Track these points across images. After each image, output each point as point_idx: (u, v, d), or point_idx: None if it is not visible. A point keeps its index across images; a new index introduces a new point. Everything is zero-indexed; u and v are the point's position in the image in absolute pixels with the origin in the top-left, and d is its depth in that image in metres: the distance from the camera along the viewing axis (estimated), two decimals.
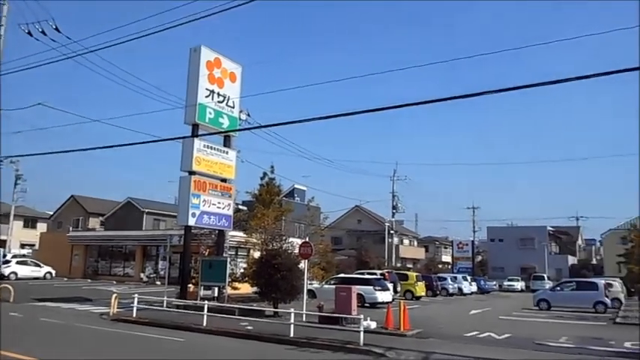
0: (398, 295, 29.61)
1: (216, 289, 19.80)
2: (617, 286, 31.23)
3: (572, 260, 67.55)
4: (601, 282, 27.72)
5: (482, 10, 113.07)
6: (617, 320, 21.52)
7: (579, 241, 78.33)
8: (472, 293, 42.53)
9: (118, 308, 17.61)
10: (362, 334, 12.53)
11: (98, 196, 53.00)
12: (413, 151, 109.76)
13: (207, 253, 23.64)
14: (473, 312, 24.98)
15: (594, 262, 73.71)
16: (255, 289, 20.15)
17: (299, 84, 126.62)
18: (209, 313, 15.15)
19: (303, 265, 18.34)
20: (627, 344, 14.30)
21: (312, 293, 25.65)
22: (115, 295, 17.85)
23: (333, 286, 20.93)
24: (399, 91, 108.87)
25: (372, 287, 25.37)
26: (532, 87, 10.55)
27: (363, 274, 31.17)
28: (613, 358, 12.29)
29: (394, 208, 54.03)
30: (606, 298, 25.79)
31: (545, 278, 51.56)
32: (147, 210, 45.43)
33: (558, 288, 29.22)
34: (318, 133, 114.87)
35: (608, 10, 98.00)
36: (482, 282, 48.44)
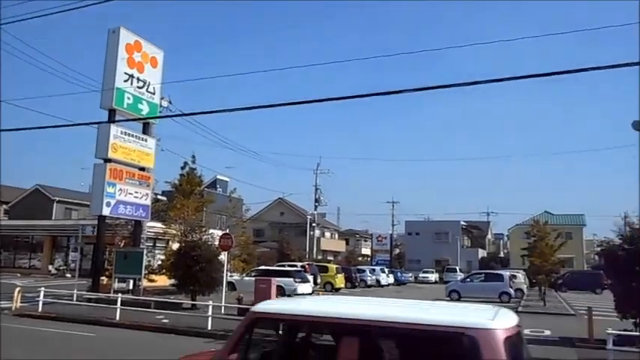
0: (318, 286, 30.00)
1: (132, 281, 19.13)
2: (521, 277, 33.55)
3: (482, 253, 71.56)
4: (506, 274, 29.62)
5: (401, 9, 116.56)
6: (519, 309, 23.08)
7: (489, 236, 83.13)
8: (389, 285, 43.92)
9: (21, 303, 16.54)
10: None
11: (3, 183, 49.32)
12: (337, 145, 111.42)
13: (122, 245, 22.77)
14: None
15: (502, 255, 78.49)
16: (172, 281, 19.67)
17: (224, 73, 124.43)
18: (123, 307, 14.63)
19: (224, 257, 18.14)
20: (526, 331, 15.37)
21: (232, 285, 25.43)
22: (18, 289, 16.76)
23: (254, 278, 20.88)
24: (328, 83, 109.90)
25: (292, 279, 25.56)
26: (452, 87, 11.01)
27: (283, 266, 31.28)
28: None
29: (317, 201, 54.65)
30: (510, 289, 27.59)
31: (458, 270, 54.21)
32: (57, 198, 42.91)
33: (468, 279, 30.91)
34: (243, 125, 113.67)
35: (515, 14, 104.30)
36: (399, 274, 50.17)
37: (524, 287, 32.29)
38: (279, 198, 62.53)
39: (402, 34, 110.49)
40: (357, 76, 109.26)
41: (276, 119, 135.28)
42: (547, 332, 15.19)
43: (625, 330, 11.92)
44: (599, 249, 15.97)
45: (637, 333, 12.04)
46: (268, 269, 27.36)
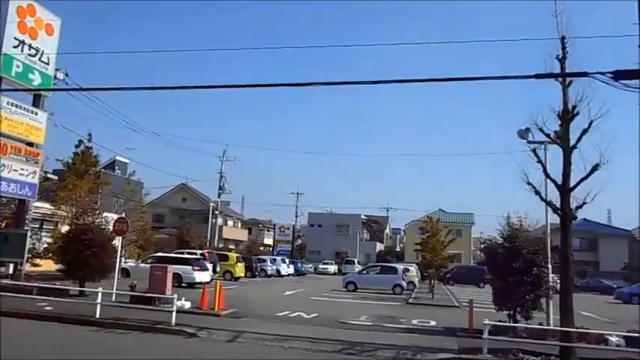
0: (217, 275, 29.63)
1: (12, 265, 17.68)
2: (413, 270, 35.36)
3: (380, 247, 74.46)
4: (400, 267, 31.09)
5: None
6: (410, 301, 24.37)
7: (387, 230, 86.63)
8: (289, 275, 44.44)
9: None
10: (174, 314, 12.33)
11: None
12: (245, 134, 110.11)
13: (3, 225, 21.02)
14: (287, 293, 26.11)
15: (398, 249, 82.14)
16: (60, 266, 18.48)
17: (131, 49, 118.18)
18: (1, 293, 13.49)
19: (118, 242, 17.34)
20: (414, 321, 16.29)
21: (126, 272, 24.41)
22: None
23: (149, 265, 20.16)
24: (244, 68, 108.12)
25: (190, 267, 25.02)
26: (358, 84, 11.31)
27: (182, 253, 30.54)
28: (401, 333, 13.90)
29: (221, 188, 53.79)
30: (403, 282, 28.98)
31: (356, 262, 55.99)
32: None
33: (365, 271, 32.05)
34: (148, 107, 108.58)
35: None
36: (299, 264, 50.88)
37: (417, 280, 34.06)
38: (182, 184, 60.77)
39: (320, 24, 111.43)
40: (267, 67, 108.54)
41: (181, 103, 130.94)
42: (433, 323, 16.15)
43: (500, 321, 13.00)
44: (482, 246, 17.27)
45: (510, 324, 13.18)
46: (165, 256, 26.53)
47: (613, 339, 12.24)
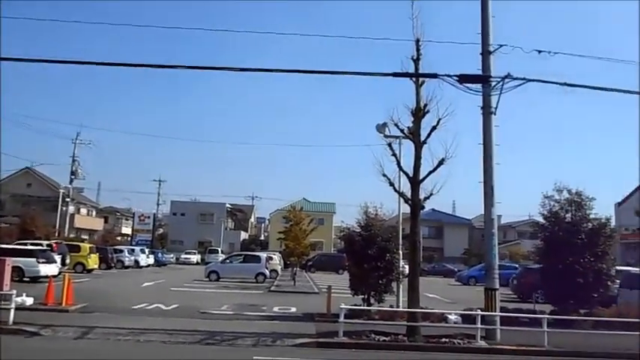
0: (67, 267, 27.30)
1: None
2: (277, 259, 35.89)
3: (244, 236, 74.33)
4: (263, 255, 31.37)
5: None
6: (272, 289, 24.71)
7: (252, 219, 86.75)
8: (149, 266, 42.55)
9: None
10: (12, 311, 11.16)
11: None
12: (103, 116, 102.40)
13: None
14: (145, 284, 24.98)
15: (263, 237, 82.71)
16: None
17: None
18: None
19: None
20: (276, 308, 16.56)
21: None
22: None
23: None
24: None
25: (34, 259, 22.77)
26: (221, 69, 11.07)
27: (25, 244, 27.71)
28: (262, 321, 14.06)
29: (73, 174, 49.58)
30: (266, 270, 29.29)
31: (220, 252, 55.32)
32: None
33: (228, 260, 31.82)
34: None
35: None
36: (160, 255, 48.97)
37: (279, 268, 34.62)
38: (27, 167, 54.93)
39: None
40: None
41: (34, 78, 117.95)
42: (293, 309, 16.55)
43: (355, 305, 13.73)
44: (341, 234, 18.09)
45: (364, 307, 13.98)
46: (5, 248, 23.81)
47: (452, 317, 13.61)
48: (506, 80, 11.56)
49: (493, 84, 12.09)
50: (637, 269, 22.86)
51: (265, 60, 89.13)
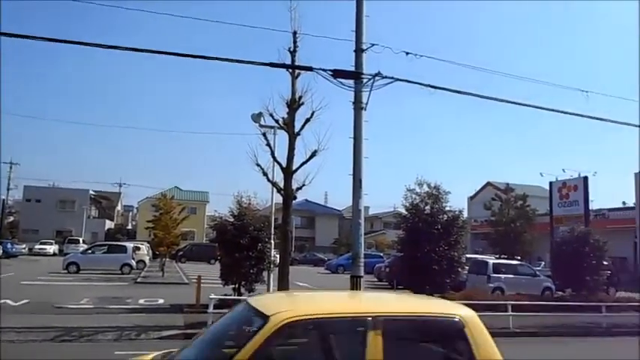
0: None
1: None
2: (144, 249, 34.30)
3: (109, 225, 69.88)
4: (130, 245, 29.79)
5: None
6: (139, 280, 23.62)
7: (119, 207, 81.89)
8: None
9: None
10: None
11: None
12: None
13: None
14: None
15: (130, 227, 78.51)
16: None
17: None
18: None
19: None
20: (142, 301, 15.86)
21: None
22: None
23: None
24: None
25: None
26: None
27: None
28: (127, 314, 13.38)
29: None
30: (132, 261, 27.89)
31: (81, 242, 51.48)
32: None
33: (90, 251, 29.74)
34: None
35: None
36: (9, 245, 44.32)
37: (147, 259, 33.14)
38: None
39: None
40: None
41: None
42: (161, 301, 15.98)
43: (225, 295, 13.61)
44: (213, 224, 17.76)
45: (235, 297, 13.91)
46: None
47: None
48: (377, 78, 12.14)
49: (365, 81, 12.63)
50: (483, 257, 25.50)
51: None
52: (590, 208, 33.52)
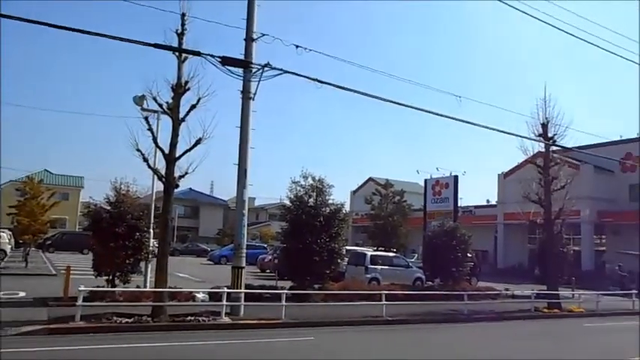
0: None
1: None
2: (5, 237, 31.14)
3: None
4: None
5: None
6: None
7: None
8: None
9: None
10: None
11: None
12: None
13: None
14: None
15: None
16: None
17: None
18: None
19: None
20: (0, 294, 14.40)
21: None
22: None
23: None
24: None
25: None
26: None
27: None
28: None
29: None
30: None
31: None
32: None
33: None
34: None
35: None
36: None
37: (9, 248, 30.15)
38: None
39: None
40: None
41: None
42: (22, 294, 14.64)
43: (98, 286, 12.82)
44: (87, 211, 16.52)
45: (108, 289, 13.16)
46: None
47: (199, 295, 13.80)
48: (266, 69, 12.11)
49: (254, 70, 12.54)
50: (362, 249, 26.60)
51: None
52: (459, 204, 36.37)
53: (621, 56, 16.31)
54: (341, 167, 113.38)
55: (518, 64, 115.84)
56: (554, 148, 19.11)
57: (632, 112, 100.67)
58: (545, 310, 17.27)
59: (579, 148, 22.45)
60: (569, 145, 19.53)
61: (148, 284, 14.35)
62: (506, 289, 21.33)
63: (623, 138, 40.13)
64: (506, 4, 13.18)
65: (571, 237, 37.31)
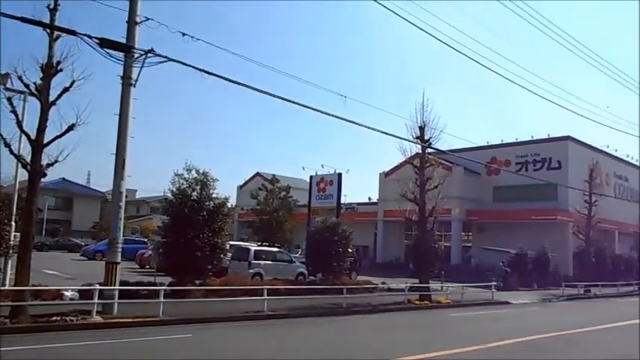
0: None
1: None
2: None
3: None
4: None
5: None
6: None
7: None
8: None
9: None
10: None
11: None
12: None
13: None
14: None
15: None
16: None
17: None
18: None
19: None
20: None
21: None
22: None
23: None
24: None
25: None
26: None
27: None
28: None
29: None
30: None
31: None
32: None
33: None
34: None
35: None
36: None
37: None
38: None
39: None
40: None
41: None
42: None
43: None
44: None
45: None
46: None
47: (68, 293, 12.81)
48: (150, 55, 11.52)
49: (136, 56, 11.88)
50: (246, 244, 26.43)
51: None
52: (343, 201, 37.59)
53: (487, 67, 17.78)
54: (230, 162, 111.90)
55: (405, 67, 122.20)
56: (429, 150, 20.37)
57: (499, 119, 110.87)
58: (417, 302, 18.40)
59: (452, 151, 24.13)
60: (443, 148, 20.88)
61: (7, 282, 13.03)
62: (383, 283, 22.39)
63: (489, 144, 44.03)
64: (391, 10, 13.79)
65: (442, 233, 40.34)
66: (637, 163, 47.06)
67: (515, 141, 42.38)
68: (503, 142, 43.20)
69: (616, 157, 45.36)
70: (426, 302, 18.69)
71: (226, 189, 65.04)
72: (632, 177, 46.60)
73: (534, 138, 41.40)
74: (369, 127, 14.80)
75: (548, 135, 40.86)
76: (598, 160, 38.18)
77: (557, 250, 34.03)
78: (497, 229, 39.02)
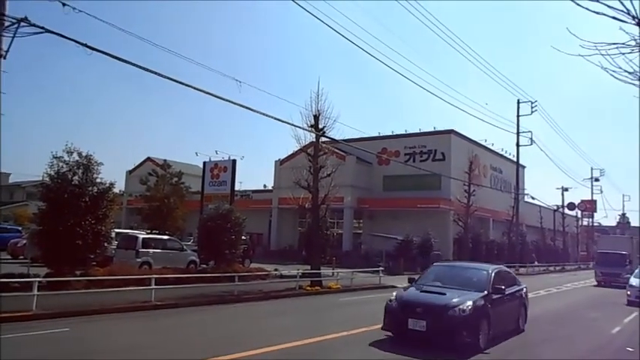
0: None
1: None
2: None
3: None
4: None
5: None
6: None
7: None
8: None
9: None
10: None
11: None
12: None
13: None
14: None
15: None
16: None
17: None
18: None
19: None
20: None
21: None
22: None
23: None
24: None
25: None
26: None
27: None
28: None
29: None
30: None
31: None
32: None
33: None
34: None
35: None
36: None
37: None
38: None
39: None
40: None
41: None
42: None
43: None
44: None
45: None
46: None
47: None
48: (23, 24, 10.51)
49: (7, 24, 10.78)
50: (133, 232, 25.26)
51: None
52: (238, 189, 37.17)
53: (384, 63, 18.39)
54: (118, 145, 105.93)
55: (302, 58, 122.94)
56: (323, 139, 20.74)
57: (390, 111, 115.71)
58: (308, 288, 18.77)
59: (345, 140, 24.77)
60: (337, 137, 21.35)
61: None
62: (276, 270, 22.56)
63: (381, 134, 45.84)
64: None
65: (335, 221, 41.45)
66: (512, 157, 51.65)
67: (404, 133, 44.48)
68: (394, 133, 45.19)
69: (492, 151, 49.31)
70: (317, 288, 19.12)
71: (113, 174, 61.66)
72: (505, 169, 50.93)
73: (422, 130, 43.73)
74: (263, 114, 14.74)
75: (434, 128, 43.39)
76: (477, 153, 41.35)
77: (440, 236, 36.44)
78: (386, 216, 40.86)
